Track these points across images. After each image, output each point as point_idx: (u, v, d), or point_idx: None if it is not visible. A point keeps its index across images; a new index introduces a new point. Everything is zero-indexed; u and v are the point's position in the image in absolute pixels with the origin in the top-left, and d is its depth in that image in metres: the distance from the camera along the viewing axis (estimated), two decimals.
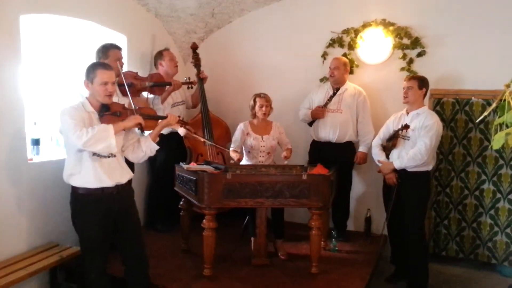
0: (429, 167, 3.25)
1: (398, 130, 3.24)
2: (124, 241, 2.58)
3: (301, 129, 4.34)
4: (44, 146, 3.32)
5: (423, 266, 3.28)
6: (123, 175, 2.53)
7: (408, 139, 3.22)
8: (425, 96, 3.34)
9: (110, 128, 2.31)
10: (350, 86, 3.93)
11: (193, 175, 3.01)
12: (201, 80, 4.22)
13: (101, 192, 2.42)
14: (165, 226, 4.01)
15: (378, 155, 3.43)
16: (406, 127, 3.18)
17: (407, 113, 3.33)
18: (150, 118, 2.63)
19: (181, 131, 3.76)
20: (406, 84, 3.28)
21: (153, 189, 4.14)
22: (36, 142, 3.21)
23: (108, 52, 3.24)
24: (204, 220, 2.99)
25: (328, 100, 3.82)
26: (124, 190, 2.54)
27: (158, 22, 4.34)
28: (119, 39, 3.79)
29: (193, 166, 3.28)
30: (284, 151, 3.65)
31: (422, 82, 3.26)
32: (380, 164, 3.40)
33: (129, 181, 2.62)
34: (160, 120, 2.68)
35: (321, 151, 3.91)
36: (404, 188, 3.24)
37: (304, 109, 4.03)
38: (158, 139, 2.65)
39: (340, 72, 3.84)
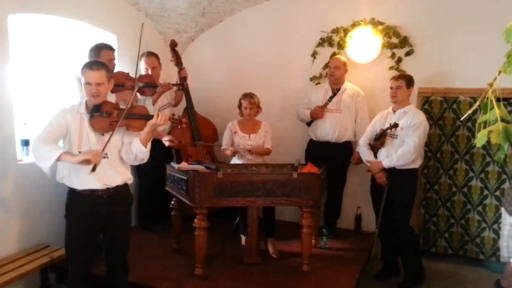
0: (417, 164, 3.29)
1: (387, 129, 3.26)
2: (108, 245, 2.53)
3: (288, 127, 4.39)
4: None
5: (417, 261, 3.32)
6: (116, 178, 2.42)
7: (396, 137, 3.24)
8: (410, 94, 3.37)
9: (55, 154, 2.18)
10: (349, 86, 3.93)
11: (184, 175, 3.02)
12: (183, 78, 4.08)
13: (90, 194, 2.34)
14: (156, 226, 4.01)
15: (366, 154, 3.46)
16: (395, 125, 3.20)
17: (394, 111, 3.36)
18: (137, 117, 2.42)
19: (166, 141, 3.77)
20: (395, 83, 3.29)
21: (142, 190, 4.10)
22: (25, 143, 3.18)
23: (101, 52, 3.18)
24: (195, 220, 3.00)
25: (328, 100, 3.81)
26: (116, 194, 2.43)
27: (148, 22, 4.33)
28: (109, 38, 3.77)
29: (184, 165, 3.29)
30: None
31: (410, 81, 3.29)
32: (368, 164, 3.43)
33: (125, 185, 2.51)
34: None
35: (319, 150, 3.90)
36: (393, 186, 3.27)
37: (303, 109, 4.00)
38: (149, 141, 2.44)
39: (340, 72, 3.85)
